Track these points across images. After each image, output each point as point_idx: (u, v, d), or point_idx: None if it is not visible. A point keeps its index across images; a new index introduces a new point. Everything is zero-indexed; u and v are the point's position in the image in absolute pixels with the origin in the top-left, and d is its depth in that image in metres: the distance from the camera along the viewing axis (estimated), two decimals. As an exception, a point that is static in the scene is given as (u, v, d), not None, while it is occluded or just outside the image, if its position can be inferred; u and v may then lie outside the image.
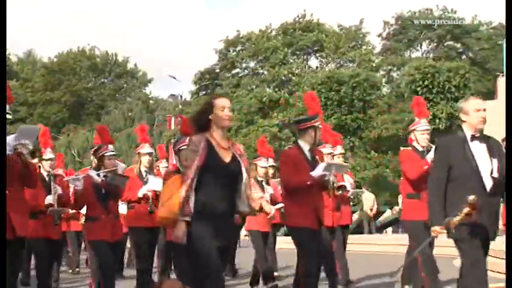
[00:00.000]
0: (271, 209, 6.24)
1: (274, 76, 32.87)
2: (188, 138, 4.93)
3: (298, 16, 35.77)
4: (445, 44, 35.23)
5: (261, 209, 6.09)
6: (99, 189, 5.35)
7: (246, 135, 25.99)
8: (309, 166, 4.81)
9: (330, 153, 6.14)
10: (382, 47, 36.21)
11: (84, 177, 5.45)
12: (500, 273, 7.41)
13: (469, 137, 3.89)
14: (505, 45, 18.22)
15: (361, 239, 13.44)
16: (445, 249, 12.52)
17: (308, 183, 4.71)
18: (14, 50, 42.17)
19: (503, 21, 30.95)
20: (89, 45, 44.01)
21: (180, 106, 34.44)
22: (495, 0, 33.48)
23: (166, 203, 3.71)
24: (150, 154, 6.17)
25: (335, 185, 5.75)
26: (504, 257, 5.91)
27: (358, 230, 17.36)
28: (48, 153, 5.84)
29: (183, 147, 4.84)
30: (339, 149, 6.58)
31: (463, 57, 34.81)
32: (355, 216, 18.79)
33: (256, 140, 15.40)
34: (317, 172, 4.76)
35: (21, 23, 56.96)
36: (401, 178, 5.65)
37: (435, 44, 35.68)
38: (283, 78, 33.06)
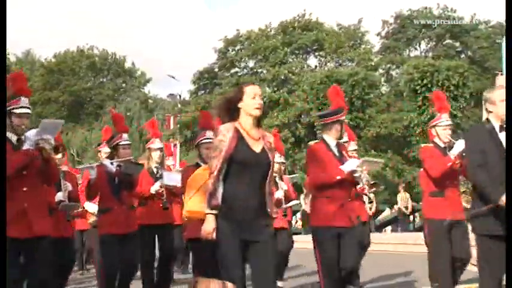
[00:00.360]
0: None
1: (274, 75, 32.85)
2: (205, 130, 4.78)
3: (298, 15, 35.76)
4: (444, 42, 35.23)
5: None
6: (112, 179, 5.17)
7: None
8: (337, 161, 4.65)
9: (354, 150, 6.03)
10: (381, 46, 36.20)
11: (98, 165, 5.28)
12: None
13: (497, 128, 3.78)
14: (504, 44, 18.21)
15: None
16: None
17: (337, 178, 4.55)
18: (13, 49, 42.10)
19: (502, 20, 31.02)
20: (88, 45, 44.01)
21: (179, 105, 34.39)
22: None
23: (193, 196, 3.59)
24: (161, 149, 5.98)
25: (365, 181, 5.41)
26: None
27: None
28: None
29: (203, 141, 4.80)
30: (353, 145, 6.43)
31: (462, 56, 34.82)
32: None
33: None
34: (347, 167, 4.59)
35: (20, 23, 56.93)
36: (421, 175, 5.45)
37: (434, 43, 35.68)
38: (283, 77, 33.04)
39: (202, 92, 37.64)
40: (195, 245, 4.43)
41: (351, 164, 4.60)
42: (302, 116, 28.63)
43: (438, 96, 5.57)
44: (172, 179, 5.57)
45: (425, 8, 35.01)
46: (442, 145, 5.18)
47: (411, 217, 18.12)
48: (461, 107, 25.50)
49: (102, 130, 8.18)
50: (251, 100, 3.46)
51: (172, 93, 37.58)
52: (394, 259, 10.53)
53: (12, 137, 4.09)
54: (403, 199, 17.01)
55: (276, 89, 32.50)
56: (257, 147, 3.45)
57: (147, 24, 67.30)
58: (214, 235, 3.33)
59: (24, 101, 4.10)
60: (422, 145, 5.47)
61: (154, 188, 5.63)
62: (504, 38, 20.13)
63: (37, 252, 4.01)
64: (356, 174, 4.66)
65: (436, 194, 5.06)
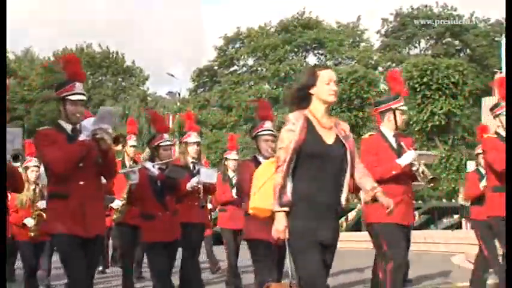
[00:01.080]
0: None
1: (274, 72, 32.87)
2: (263, 121, 4.41)
3: (298, 13, 35.78)
4: (444, 41, 35.25)
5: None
6: (155, 183, 4.78)
7: (246, 132, 26.03)
8: (394, 154, 4.31)
9: None
10: (381, 44, 36.22)
11: (140, 169, 4.85)
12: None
13: None
14: (503, 42, 18.23)
15: (359, 237, 13.44)
16: (445, 246, 12.48)
17: (394, 172, 4.20)
18: (12, 48, 42.06)
19: (501, 18, 31.03)
20: (85, 43, 43.99)
21: (178, 104, 34.41)
22: (493, -4, 33.49)
23: (260, 191, 3.35)
24: (198, 143, 5.59)
25: (425, 175, 4.75)
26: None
27: (357, 227, 17.36)
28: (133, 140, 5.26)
29: (261, 133, 4.49)
30: None
31: (461, 54, 34.85)
32: (353, 214, 18.84)
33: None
34: (404, 160, 4.24)
35: (18, 21, 56.88)
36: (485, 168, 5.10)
37: (434, 41, 35.70)
38: (283, 74, 33.08)
39: (202, 89, 37.67)
40: (256, 246, 4.21)
41: (408, 157, 4.25)
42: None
43: (502, 82, 4.92)
44: (210, 175, 5.30)
45: (426, 6, 35.04)
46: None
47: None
48: (460, 104, 25.55)
49: (127, 122, 7.77)
50: (325, 86, 3.13)
51: (171, 91, 37.62)
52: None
53: (66, 126, 3.73)
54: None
55: (275, 86, 32.55)
56: (329, 138, 3.12)
57: (146, 20, 67.25)
58: (286, 234, 3.03)
59: (78, 86, 3.75)
60: (485, 135, 5.07)
61: (191, 184, 5.24)
62: (503, 36, 20.17)
63: (90, 252, 3.68)
64: (414, 168, 4.28)
65: (500, 189, 4.58)
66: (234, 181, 6.43)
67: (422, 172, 4.32)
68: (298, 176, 3.06)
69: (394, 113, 4.40)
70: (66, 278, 3.68)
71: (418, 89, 25.15)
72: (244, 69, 36.89)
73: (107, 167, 3.79)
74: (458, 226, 18.05)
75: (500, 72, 16.70)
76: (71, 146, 3.63)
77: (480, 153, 5.67)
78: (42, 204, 5.45)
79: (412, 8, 35.30)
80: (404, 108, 4.50)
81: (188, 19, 68.38)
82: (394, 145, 4.37)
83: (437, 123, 25.10)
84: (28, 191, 5.51)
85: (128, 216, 5.65)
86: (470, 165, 17.85)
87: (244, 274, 6.87)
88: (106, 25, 62.98)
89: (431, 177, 4.51)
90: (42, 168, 6.23)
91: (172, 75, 35.28)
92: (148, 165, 4.86)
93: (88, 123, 3.68)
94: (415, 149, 4.75)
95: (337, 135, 3.15)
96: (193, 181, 5.26)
